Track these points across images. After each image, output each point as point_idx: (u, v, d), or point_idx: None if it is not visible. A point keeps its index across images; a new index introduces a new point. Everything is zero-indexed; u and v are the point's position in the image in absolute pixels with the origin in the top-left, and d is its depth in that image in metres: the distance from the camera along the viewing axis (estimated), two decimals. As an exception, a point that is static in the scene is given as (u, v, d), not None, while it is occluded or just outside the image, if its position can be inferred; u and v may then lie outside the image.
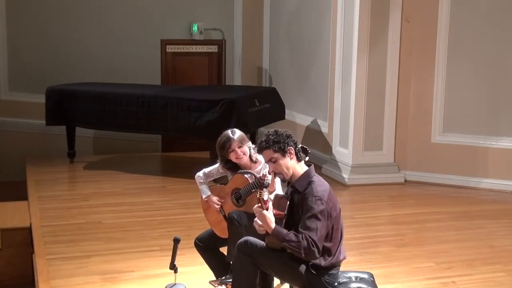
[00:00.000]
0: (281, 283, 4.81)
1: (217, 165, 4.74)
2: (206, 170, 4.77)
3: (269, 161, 3.90)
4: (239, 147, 4.50)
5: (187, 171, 9.02)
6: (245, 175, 4.49)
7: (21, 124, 10.33)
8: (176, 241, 4.45)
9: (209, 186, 4.76)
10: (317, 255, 3.70)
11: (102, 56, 10.48)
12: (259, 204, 3.80)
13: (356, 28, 8.12)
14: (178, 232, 5.42)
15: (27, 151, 10.05)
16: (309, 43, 9.65)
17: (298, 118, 9.90)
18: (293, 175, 3.89)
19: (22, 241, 6.23)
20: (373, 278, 4.07)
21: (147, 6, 10.65)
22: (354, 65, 8.19)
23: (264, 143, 3.89)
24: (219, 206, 4.66)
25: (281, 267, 3.87)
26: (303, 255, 3.68)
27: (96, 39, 10.48)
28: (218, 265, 4.71)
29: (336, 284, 3.90)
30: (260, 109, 8.45)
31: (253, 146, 4.54)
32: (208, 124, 8.03)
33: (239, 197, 4.55)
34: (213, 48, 11.10)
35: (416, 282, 5.19)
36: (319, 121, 9.35)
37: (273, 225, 3.75)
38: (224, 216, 4.64)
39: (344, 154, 8.49)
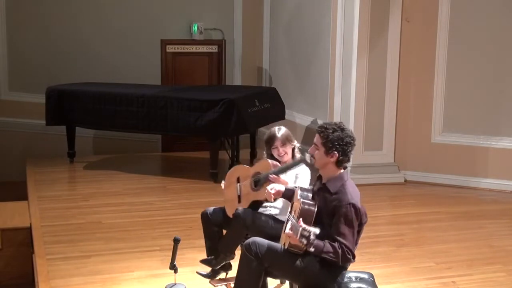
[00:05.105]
0: (281, 282, 4.81)
1: None
2: None
3: (314, 143, 3.89)
4: (282, 146, 4.59)
5: (187, 171, 9.06)
6: (269, 161, 4.57)
7: (21, 124, 10.32)
8: (176, 241, 4.45)
9: (237, 165, 4.92)
10: (352, 260, 3.76)
11: (102, 56, 10.47)
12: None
13: (356, 28, 8.11)
14: (178, 232, 5.43)
15: (27, 151, 10.05)
16: (309, 43, 9.64)
17: (298, 118, 9.89)
18: (325, 172, 3.89)
19: (22, 241, 6.24)
20: (373, 278, 4.06)
21: (147, 6, 10.64)
22: (354, 65, 8.19)
23: (324, 130, 3.85)
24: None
25: (292, 269, 3.80)
26: (340, 263, 3.73)
27: (96, 39, 10.48)
28: (214, 243, 4.71)
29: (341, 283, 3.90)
30: (260, 109, 8.45)
31: (298, 145, 4.68)
32: (208, 124, 8.03)
33: (258, 180, 4.56)
34: (213, 48, 11.09)
35: (416, 282, 5.19)
36: (319, 121, 9.33)
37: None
38: (239, 196, 4.66)
39: (344, 154, 8.46)
